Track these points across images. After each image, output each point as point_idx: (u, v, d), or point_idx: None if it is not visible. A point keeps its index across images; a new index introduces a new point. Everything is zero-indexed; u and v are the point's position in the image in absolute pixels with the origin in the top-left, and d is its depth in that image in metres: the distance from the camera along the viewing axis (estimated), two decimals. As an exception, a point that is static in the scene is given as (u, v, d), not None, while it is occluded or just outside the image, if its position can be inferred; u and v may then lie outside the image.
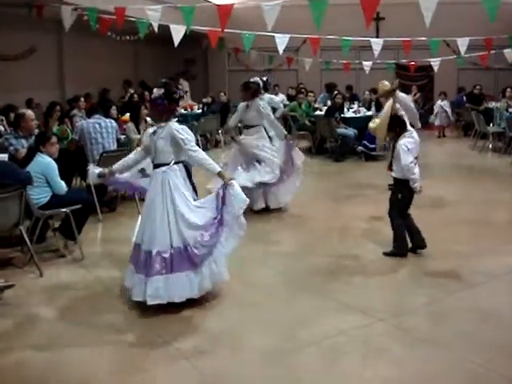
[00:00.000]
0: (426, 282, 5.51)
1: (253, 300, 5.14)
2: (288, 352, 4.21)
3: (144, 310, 4.85)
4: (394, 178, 6.20)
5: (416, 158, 6.08)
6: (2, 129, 8.41)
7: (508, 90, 14.58)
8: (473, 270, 5.78)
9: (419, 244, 6.25)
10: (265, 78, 9.14)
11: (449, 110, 16.49)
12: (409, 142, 6.04)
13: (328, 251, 6.46)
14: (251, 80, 8.29)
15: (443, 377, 3.90)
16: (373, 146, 12.25)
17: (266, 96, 8.91)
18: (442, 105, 16.49)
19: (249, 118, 8.14)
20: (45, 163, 6.12)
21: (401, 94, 8.76)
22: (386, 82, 9.18)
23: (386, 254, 6.27)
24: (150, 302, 4.75)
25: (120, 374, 4.00)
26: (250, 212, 7.85)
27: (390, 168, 6.32)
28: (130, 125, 8.79)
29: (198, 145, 11.89)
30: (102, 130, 7.94)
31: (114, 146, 8.11)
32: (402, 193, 6.13)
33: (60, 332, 4.56)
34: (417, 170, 6.02)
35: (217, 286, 5.21)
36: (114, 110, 9.02)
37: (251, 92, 8.07)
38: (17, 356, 4.20)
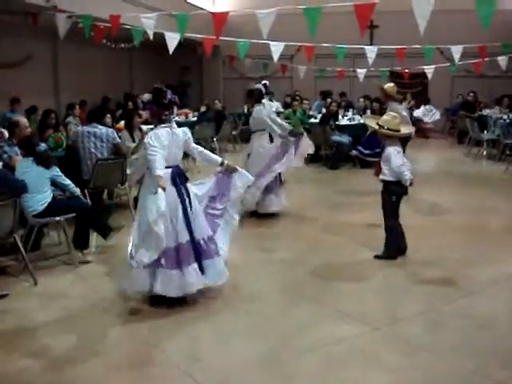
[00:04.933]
0: (422, 289, 5.51)
1: (248, 308, 5.13)
2: (285, 360, 4.20)
3: (138, 318, 4.85)
4: (385, 181, 6.31)
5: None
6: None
7: (505, 99, 14.66)
8: (468, 277, 5.79)
9: (402, 248, 6.43)
10: (264, 82, 9.15)
11: (426, 113, 17.86)
12: (396, 148, 6.25)
13: (323, 258, 6.46)
14: (255, 87, 8.44)
15: (439, 385, 3.90)
16: (368, 151, 12.25)
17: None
18: (425, 108, 17.94)
19: (251, 124, 8.40)
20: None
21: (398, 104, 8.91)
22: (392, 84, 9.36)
23: (377, 256, 6.38)
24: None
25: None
26: (244, 219, 7.91)
27: (377, 173, 6.44)
28: (125, 133, 8.78)
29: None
30: (95, 139, 7.86)
31: (106, 155, 7.99)
32: (395, 194, 6.30)
33: (55, 340, 4.54)
34: (406, 169, 6.18)
35: (211, 293, 5.24)
36: (108, 118, 8.98)
37: (254, 98, 8.29)
38: (14, 364, 4.18)
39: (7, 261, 6.27)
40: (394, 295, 5.41)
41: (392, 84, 9.82)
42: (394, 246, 6.35)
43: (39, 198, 6.12)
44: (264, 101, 8.43)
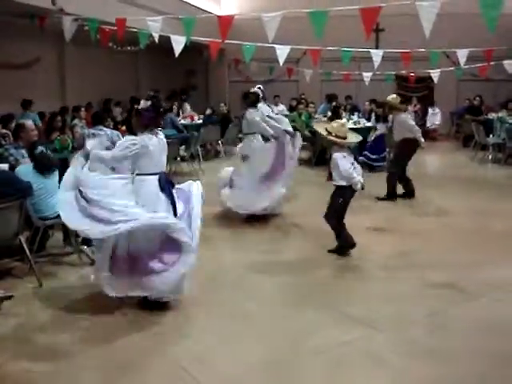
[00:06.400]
0: (427, 293, 5.50)
1: (253, 310, 5.12)
2: (289, 363, 4.19)
3: (142, 320, 4.86)
4: (336, 186, 6.48)
5: (351, 164, 6.41)
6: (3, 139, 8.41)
7: (510, 103, 14.64)
8: (474, 281, 5.77)
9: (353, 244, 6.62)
10: (259, 86, 9.17)
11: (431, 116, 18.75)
12: (342, 153, 6.41)
13: (328, 261, 6.44)
14: (251, 90, 8.41)
15: (444, 388, 3.89)
16: (374, 156, 12.26)
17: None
18: (431, 111, 18.79)
19: (243, 126, 8.41)
20: None
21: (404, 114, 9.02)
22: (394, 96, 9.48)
23: (330, 251, 6.59)
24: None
25: (119, 384, 3.99)
26: (248, 221, 7.95)
27: (330, 178, 6.55)
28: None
29: (197, 155, 11.92)
30: (101, 142, 7.88)
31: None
32: (343, 197, 6.48)
33: (60, 341, 4.55)
34: (355, 173, 6.35)
35: (216, 295, 5.24)
36: (108, 122, 8.96)
37: (248, 101, 8.27)
38: (18, 366, 4.19)
39: (12, 262, 6.29)
40: (399, 298, 5.39)
41: (394, 95, 9.84)
42: (346, 236, 6.55)
43: (53, 202, 6.12)
44: (260, 105, 8.40)
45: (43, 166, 6.15)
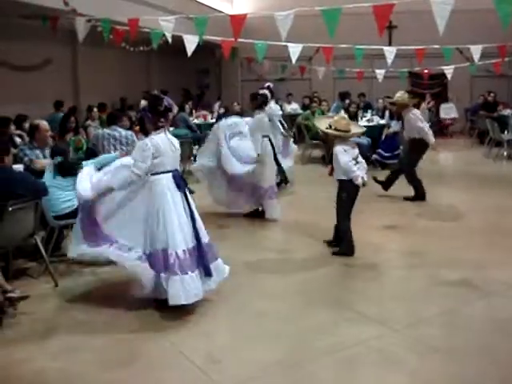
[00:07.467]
0: (441, 291, 5.47)
1: (266, 309, 5.12)
2: (303, 362, 4.18)
3: (157, 320, 4.89)
4: (338, 180, 6.48)
5: (354, 159, 6.37)
6: (19, 140, 8.46)
7: None
8: (488, 279, 5.73)
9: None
10: (268, 84, 9.20)
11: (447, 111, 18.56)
12: (343, 147, 6.35)
13: (341, 260, 6.42)
14: (260, 92, 8.37)
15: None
16: (388, 154, 12.19)
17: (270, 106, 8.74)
18: (444, 105, 18.63)
19: (250, 129, 8.31)
20: None
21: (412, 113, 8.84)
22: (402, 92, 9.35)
23: (334, 253, 6.54)
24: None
25: (134, 384, 4.00)
26: (259, 219, 7.96)
27: (331, 173, 6.57)
28: (142, 136, 8.83)
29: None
30: (115, 142, 7.92)
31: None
32: (346, 192, 6.45)
33: (76, 342, 4.57)
34: (355, 167, 6.31)
35: (229, 295, 5.25)
36: (125, 122, 9.00)
37: (256, 103, 8.25)
38: (34, 365, 4.22)
39: (28, 262, 6.33)
40: (412, 297, 5.37)
41: (402, 92, 9.69)
42: (350, 244, 6.50)
43: (65, 197, 6.18)
44: (271, 105, 8.38)
45: (67, 173, 6.15)
